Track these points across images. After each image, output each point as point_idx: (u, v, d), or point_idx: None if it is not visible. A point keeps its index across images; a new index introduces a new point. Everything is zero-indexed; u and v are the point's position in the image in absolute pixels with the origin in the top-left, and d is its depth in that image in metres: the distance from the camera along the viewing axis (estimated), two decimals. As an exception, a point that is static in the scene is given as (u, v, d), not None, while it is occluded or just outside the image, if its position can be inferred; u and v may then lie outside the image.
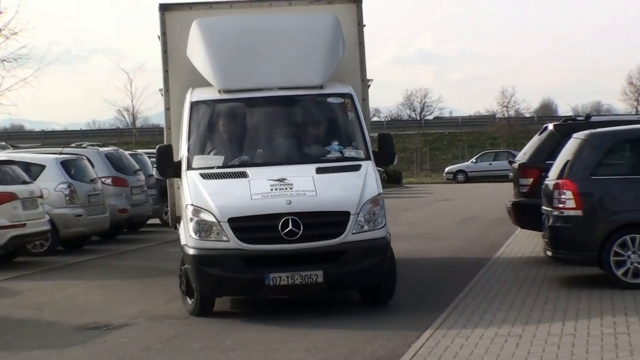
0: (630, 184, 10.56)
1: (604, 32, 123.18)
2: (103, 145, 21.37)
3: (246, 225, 9.55)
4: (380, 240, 9.80)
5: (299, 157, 10.64)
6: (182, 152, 10.54)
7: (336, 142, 10.71)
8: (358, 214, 9.64)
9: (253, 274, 9.48)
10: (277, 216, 9.46)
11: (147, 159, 21.87)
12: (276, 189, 9.72)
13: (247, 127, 11.00)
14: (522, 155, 14.59)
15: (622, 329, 8.17)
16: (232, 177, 10.09)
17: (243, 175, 10.05)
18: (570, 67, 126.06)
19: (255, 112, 11.09)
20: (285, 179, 9.88)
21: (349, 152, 10.61)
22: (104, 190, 17.89)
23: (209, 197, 9.75)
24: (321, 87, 10.87)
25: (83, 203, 16.81)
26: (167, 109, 12.00)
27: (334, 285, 9.77)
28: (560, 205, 10.54)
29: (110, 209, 17.85)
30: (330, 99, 11.02)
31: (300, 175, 9.99)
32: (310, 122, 11.09)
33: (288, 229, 9.40)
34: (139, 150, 25.55)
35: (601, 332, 8.09)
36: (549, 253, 10.97)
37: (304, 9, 11.91)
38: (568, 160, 10.81)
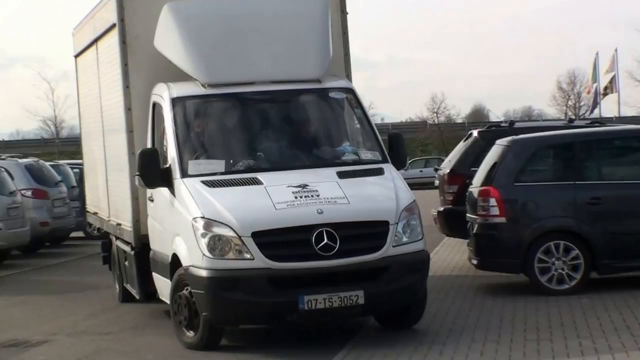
0: (553, 190, 10.63)
1: (535, 36, 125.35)
2: (23, 157, 20.81)
3: (274, 240, 8.17)
4: (420, 253, 8.70)
5: (312, 160, 9.28)
6: (170, 157, 8.98)
7: (347, 143, 9.58)
8: (397, 223, 8.46)
9: (285, 297, 8.08)
10: (309, 228, 8.15)
11: (69, 169, 21.30)
12: (301, 197, 8.39)
13: (243, 127, 9.47)
14: (448, 163, 14.58)
15: (545, 334, 8.22)
16: (243, 184, 8.66)
17: (255, 181, 8.65)
18: (502, 72, 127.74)
19: (249, 110, 9.57)
20: (308, 185, 8.56)
21: (364, 154, 9.43)
22: (24, 202, 17.36)
23: (223, 208, 8.30)
24: (319, 80, 9.54)
25: (2, 216, 16.26)
26: (128, 109, 10.09)
27: (375, 306, 8.57)
28: (484, 213, 10.58)
29: (31, 222, 17.34)
30: (332, 94, 9.72)
31: (322, 181, 8.71)
32: (315, 120, 9.75)
33: (323, 243, 8.10)
34: (61, 161, 24.93)
35: (524, 338, 8.11)
36: (474, 261, 10.98)
37: None
38: (492, 167, 10.83)
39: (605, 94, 53.45)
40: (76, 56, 13.83)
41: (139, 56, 10.01)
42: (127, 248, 10.73)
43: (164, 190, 9.03)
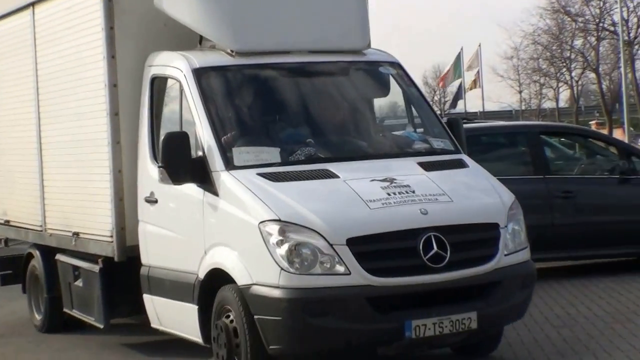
0: None
1: (400, 31, 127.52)
2: None
3: (374, 249, 6.50)
4: (528, 264, 7.23)
5: (382, 148, 7.77)
6: (204, 144, 7.05)
7: (410, 129, 8.11)
8: (506, 226, 7.01)
9: (388, 322, 6.43)
10: (414, 233, 6.57)
11: None
12: (394, 193, 6.78)
13: (287, 106, 7.74)
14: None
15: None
16: (315, 178, 6.93)
17: (329, 174, 6.97)
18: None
19: (291, 85, 7.89)
20: (395, 179, 6.95)
21: (436, 142, 7.92)
22: None
23: (303, 207, 6.54)
24: (362, 53, 8.10)
25: None
26: (114, 85, 7.96)
27: (484, 331, 7.05)
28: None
29: None
30: (382, 69, 8.25)
31: (409, 173, 7.15)
32: (369, 99, 8.26)
33: (433, 252, 6.53)
34: None
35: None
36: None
37: None
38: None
39: (470, 89, 55.11)
40: None
41: (129, 18, 7.93)
42: (84, 264, 8.51)
43: (189, 188, 7.01)
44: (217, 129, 7.07)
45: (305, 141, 7.32)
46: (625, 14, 32.47)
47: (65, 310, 9.11)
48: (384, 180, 6.93)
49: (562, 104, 65.87)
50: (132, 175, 7.78)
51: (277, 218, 6.40)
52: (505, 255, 6.93)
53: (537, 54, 54.29)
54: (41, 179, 9.32)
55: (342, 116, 7.85)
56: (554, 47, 53.23)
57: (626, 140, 28.51)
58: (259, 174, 6.81)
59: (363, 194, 6.70)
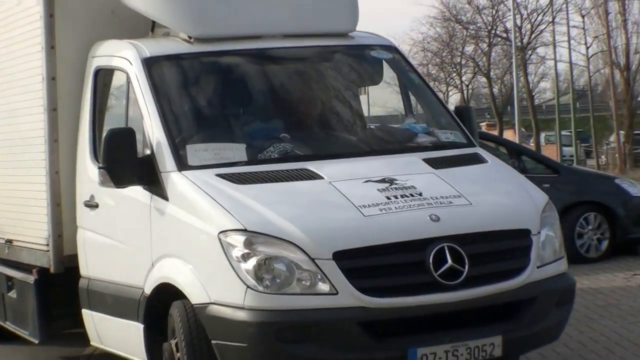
0: None
1: None
2: None
3: (368, 265, 5.43)
4: (566, 277, 6.20)
5: (377, 143, 6.71)
6: (153, 142, 6.14)
7: (411, 120, 7.02)
8: (539, 233, 5.91)
9: (388, 351, 5.43)
10: (422, 244, 5.51)
11: None
12: (395, 197, 5.69)
13: (256, 97, 6.73)
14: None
15: None
16: (292, 180, 5.86)
17: (310, 174, 5.90)
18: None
19: (260, 74, 6.86)
20: (396, 179, 5.86)
21: (444, 135, 6.82)
22: None
23: (276, 214, 5.49)
24: (350, 36, 7.12)
25: None
26: (52, 78, 7.15)
27: (511, 357, 6.09)
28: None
29: None
30: (373, 53, 7.18)
31: (412, 172, 6.07)
32: (356, 88, 7.25)
33: (447, 266, 5.46)
34: None
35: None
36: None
37: None
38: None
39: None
40: None
41: (71, 5, 7.18)
42: (17, 274, 7.78)
43: (134, 191, 6.18)
44: (170, 124, 6.16)
45: (279, 136, 6.35)
46: (518, 21, 33.79)
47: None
48: (382, 181, 5.88)
49: (452, 107, 68.35)
50: (71, 178, 7.01)
51: (241, 227, 5.42)
52: (539, 267, 5.88)
53: (427, 61, 53.22)
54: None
55: (325, 108, 6.88)
56: (444, 54, 52.83)
57: (517, 141, 28.39)
58: (219, 175, 5.85)
59: (355, 197, 5.66)
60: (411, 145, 6.65)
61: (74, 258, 7.02)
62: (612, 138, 35.59)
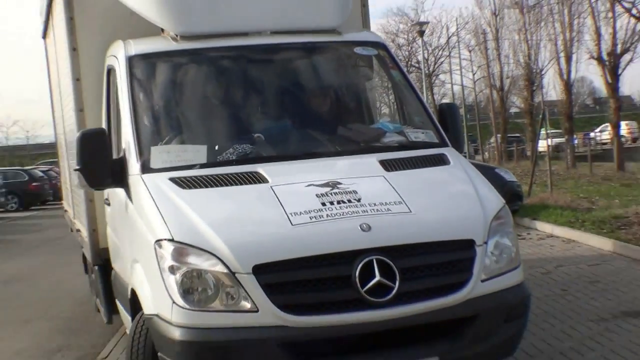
0: None
1: None
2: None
3: (290, 280, 5.05)
4: (518, 290, 5.64)
5: (338, 144, 6.32)
6: (123, 142, 6.16)
7: (386, 119, 6.96)
8: (486, 243, 5.44)
9: None
10: (349, 256, 5.10)
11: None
12: (331, 203, 5.35)
13: (232, 97, 6.57)
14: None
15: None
16: (237, 183, 5.61)
17: (256, 178, 5.65)
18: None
19: (240, 72, 6.72)
20: (340, 183, 5.56)
21: (414, 134, 6.49)
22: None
23: (205, 224, 5.22)
24: (338, 32, 6.89)
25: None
26: (77, 79, 7.44)
27: None
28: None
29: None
30: (358, 50, 6.95)
31: (361, 175, 5.76)
32: (336, 86, 6.92)
33: (375, 281, 5.04)
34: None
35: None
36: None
37: None
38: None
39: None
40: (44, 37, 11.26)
41: (91, 9, 7.37)
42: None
43: (120, 192, 6.18)
44: (139, 124, 6.03)
45: (250, 137, 6.13)
46: (426, 55, 46.93)
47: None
48: (325, 185, 5.53)
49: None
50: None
51: (171, 238, 5.14)
52: (483, 280, 5.36)
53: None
54: (68, 171, 9.42)
55: (296, 107, 6.58)
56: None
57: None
58: (171, 179, 5.63)
59: (289, 204, 5.32)
60: (376, 146, 6.30)
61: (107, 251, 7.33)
62: (492, 140, 48.06)
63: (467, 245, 5.33)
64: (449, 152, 6.30)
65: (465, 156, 6.49)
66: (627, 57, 28.19)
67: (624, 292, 8.89)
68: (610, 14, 27.18)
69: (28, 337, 9.74)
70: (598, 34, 28.44)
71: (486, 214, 5.51)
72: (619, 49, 27.76)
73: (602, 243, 11.84)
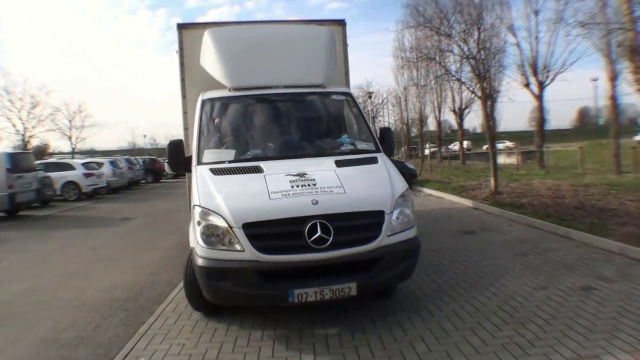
0: None
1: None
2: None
3: (265, 232, 7.46)
4: (413, 241, 7.98)
5: (313, 150, 9.03)
6: (193, 147, 9.07)
7: (345, 135, 9.47)
8: (392, 212, 7.76)
9: (274, 290, 7.47)
10: (302, 220, 7.44)
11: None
12: (297, 186, 7.74)
13: (257, 123, 9.50)
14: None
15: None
16: (245, 172, 8.19)
17: (257, 169, 8.20)
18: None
19: (264, 108, 9.64)
20: (306, 174, 7.97)
21: (360, 145, 9.19)
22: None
23: (219, 197, 7.71)
24: (323, 86, 10.00)
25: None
26: (185, 112, 11.29)
27: (366, 294, 8.24)
28: None
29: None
30: (334, 96, 9.92)
31: (321, 169, 8.21)
32: (318, 116, 9.82)
33: (317, 236, 7.40)
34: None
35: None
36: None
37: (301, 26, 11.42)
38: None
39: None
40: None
41: (192, 73, 11.50)
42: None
43: (189, 175, 9.47)
44: (201, 137, 9.01)
45: (264, 146, 9.02)
46: (371, 106, 62.50)
47: None
48: (297, 175, 7.94)
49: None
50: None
51: (200, 204, 7.76)
52: (389, 235, 7.69)
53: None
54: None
55: (293, 128, 9.42)
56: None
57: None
58: (211, 169, 8.34)
59: (271, 186, 7.74)
60: (336, 151, 9.01)
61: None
62: (403, 148, 62.05)
63: (379, 214, 7.70)
64: (380, 156, 8.90)
65: (390, 158, 9.60)
66: (467, 110, 54.56)
67: (464, 222, 15.95)
68: (459, 90, 52.19)
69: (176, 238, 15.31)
70: (453, 99, 54.52)
71: (394, 194, 7.91)
72: (464, 105, 54.67)
73: (455, 198, 21.59)
